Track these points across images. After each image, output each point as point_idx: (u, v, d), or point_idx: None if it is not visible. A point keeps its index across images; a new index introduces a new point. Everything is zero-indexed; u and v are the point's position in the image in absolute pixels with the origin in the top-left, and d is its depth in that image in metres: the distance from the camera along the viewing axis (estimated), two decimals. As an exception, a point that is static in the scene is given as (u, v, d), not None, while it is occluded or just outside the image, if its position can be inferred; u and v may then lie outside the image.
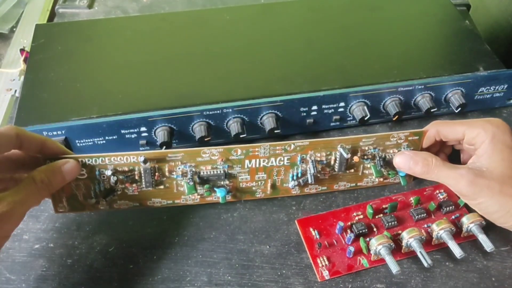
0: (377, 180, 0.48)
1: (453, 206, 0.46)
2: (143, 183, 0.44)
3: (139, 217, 0.47)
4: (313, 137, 0.51)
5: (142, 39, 0.58)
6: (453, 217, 0.46)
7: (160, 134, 0.48)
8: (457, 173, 0.42)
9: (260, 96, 0.49)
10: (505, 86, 0.54)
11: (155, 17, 0.63)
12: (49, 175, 0.39)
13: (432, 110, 0.52)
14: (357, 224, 0.45)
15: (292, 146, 0.44)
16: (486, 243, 0.43)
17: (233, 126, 0.49)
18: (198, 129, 0.49)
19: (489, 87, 0.53)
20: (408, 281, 0.42)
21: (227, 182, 0.45)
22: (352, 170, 0.47)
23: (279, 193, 0.47)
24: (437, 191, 0.48)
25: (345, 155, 0.44)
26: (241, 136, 0.49)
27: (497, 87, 0.54)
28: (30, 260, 0.43)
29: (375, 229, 0.45)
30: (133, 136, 0.49)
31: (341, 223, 0.44)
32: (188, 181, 0.44)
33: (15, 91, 0.60)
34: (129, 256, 0.44)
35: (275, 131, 0.50)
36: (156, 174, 0.43)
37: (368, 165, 0.47)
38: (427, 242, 0.44)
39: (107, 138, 0.48)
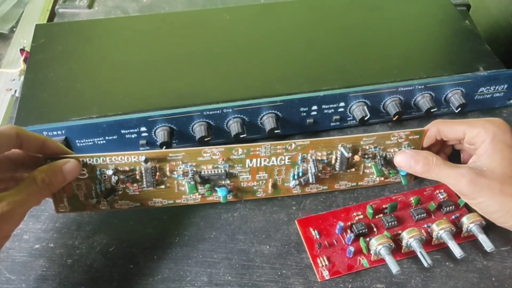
0: (378, 179, 0.48)
1: (453, 206, 0.46)
2: (144, 182, 0.44)
3: (140, 217, 0.47)
4: (313, 137, 0.51)
5: (142, 39, 0.58)
6: (453, 217, 0.46)
7: (160, 134, 0.48)
8: (458, 172, 0.42)
9: (260, 96, 0.49)
10: (505, 86, 0.54)
11: (155, 17, 0.63)
12: (50, 175, 0.39)
13: (432, 110, 0.52)
14: (357, 224, 0.45)
15: (293, 146, 0.44)
16: (486, 243, 0.43)
17: (233, 126, 0.49)
18: (198, 129, 0.49)
19: (489, 87, 0.53)
20: (408, 281, 0.42)
21: (228, 181, 0.45)
22: (353, 170, 0.47)
23: (280, 192, 0.47)
24: (437, 191, 0.48)
25: (346, 154, 0.44)
26: (241, 136, 0.49)
27: (497, 87, 0.54)
28: (30, 260, 0.43)
29: (375, 229, 0.45)
30: (133, 136, 0.49)
31: (341, 223, 0.44)
32: (189, 180, 0.44)
33: (15, 91, 0.60)
34: (130, 256, 0.44)
35: (275, 131, 0.50)
36: (157, 173, 0.43)
37: (369, 164, 0.47)
38: (427, 242, 0.44)
39: (107, 138, 0.48)
